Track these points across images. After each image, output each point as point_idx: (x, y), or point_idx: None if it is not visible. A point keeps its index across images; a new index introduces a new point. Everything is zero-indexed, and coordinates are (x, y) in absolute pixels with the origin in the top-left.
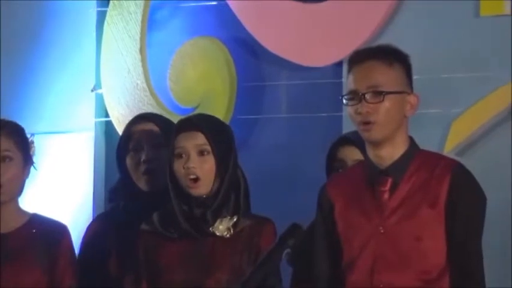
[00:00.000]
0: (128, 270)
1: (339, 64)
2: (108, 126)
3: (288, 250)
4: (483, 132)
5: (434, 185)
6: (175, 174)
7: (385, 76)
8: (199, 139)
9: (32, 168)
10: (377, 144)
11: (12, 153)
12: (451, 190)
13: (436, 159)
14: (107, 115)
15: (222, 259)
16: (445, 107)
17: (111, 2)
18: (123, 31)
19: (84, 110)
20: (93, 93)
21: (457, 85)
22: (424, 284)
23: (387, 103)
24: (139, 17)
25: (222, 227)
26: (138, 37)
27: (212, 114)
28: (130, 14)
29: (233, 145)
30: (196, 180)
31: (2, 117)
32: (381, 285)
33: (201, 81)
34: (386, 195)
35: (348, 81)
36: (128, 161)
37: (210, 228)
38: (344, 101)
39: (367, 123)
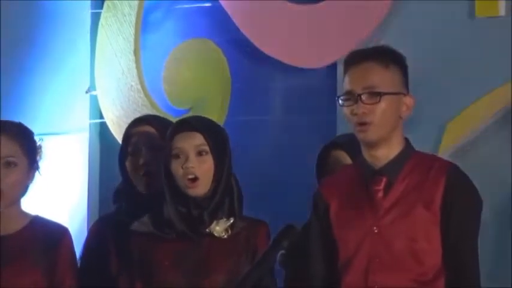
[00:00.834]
0: (123, 271)
1: (333, 66)
2: (103, 128)
3: (282, 251)
4: (478, 134)
5: (430, 186)
6: (173, 174)
7: (381, 77)
8: (197, 139)
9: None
10: (373, 144)
11: (17, 159)
12: (446, 191)
13: (431, 160)
14: (101, 116)
15: (219, 260)
16: (440, 108)
17: (105, 3)
18: (117, 33)
19: (78, 111)
20: (88, 94)
21: (452, 87)
22: (420, 285)
23: (383, 104)
24: (134, 19)
25: (219, 228)
26: (132, 39)
27: (207, 117)
28: (125, 15)
29: (229, 148)
30: (194, 180)
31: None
32: (376, 286)
33: (195, 82)
34: (380, 194)
35: (344, 82)
36: (127, 164)
37: (207, 229)
38: (340, 101)
39: (363, 124)
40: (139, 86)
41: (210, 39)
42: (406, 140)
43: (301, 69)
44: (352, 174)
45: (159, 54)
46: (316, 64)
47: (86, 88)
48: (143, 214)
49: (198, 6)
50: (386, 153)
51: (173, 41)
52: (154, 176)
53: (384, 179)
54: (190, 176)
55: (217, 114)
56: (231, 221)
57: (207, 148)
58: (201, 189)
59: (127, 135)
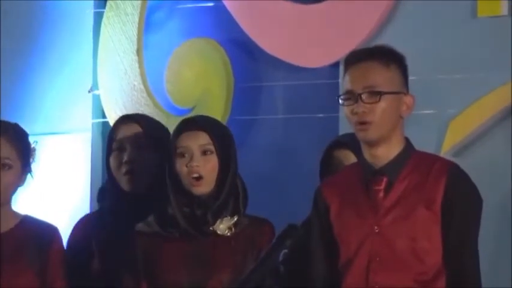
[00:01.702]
0: (126, 271)
1: (336, 65)
2: (105, 127)
3: (285, 250)
4: (480, 133)
5: (430, 185)
6: (177, 173)
7: (382, 76)
8: (203, 139)
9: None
10: (373, 144)
11: (12, 161)
12: (447, 191)
13: (431, 160)
14: (104, 116)
15: (224, 259)
16: (442, 107)
17: (108, 3)
18: (120, 32)
19: (81, 111)
20: (90, 94)
21: (454, 86)
22: (420, 285)
23: (383, 103)
24: (136, 18)
25: (222, 226)
26: (135, 38)
27: (212, 116)
28: (127, 15)
29: (234, 148)
30: (199, 178)
31: (2, 119)
32: (377, 286)
33: (198, 82)
34: (381, 194)
35: (344, 82)
36: (111, 160)
37: (211, 228)
38: (340, 101)
39: (363, 123)
40: (142, 86)
41: (212, 39)
42: (407, 139)
43: (304, 69)
44: (352, 174)
45: (162, 53)
46: (319, 63)
47: (89, 87)
48: (126, 212)
49: (201, 6)
50: (386, 153)
51: (176, 40)
52: (137, 174)
53: (385, 179)
54: (194, 175)
55: (220, 114)
56: (235, 219)
57: (212, 147)
58: (205, 188)
59: (113, 132)
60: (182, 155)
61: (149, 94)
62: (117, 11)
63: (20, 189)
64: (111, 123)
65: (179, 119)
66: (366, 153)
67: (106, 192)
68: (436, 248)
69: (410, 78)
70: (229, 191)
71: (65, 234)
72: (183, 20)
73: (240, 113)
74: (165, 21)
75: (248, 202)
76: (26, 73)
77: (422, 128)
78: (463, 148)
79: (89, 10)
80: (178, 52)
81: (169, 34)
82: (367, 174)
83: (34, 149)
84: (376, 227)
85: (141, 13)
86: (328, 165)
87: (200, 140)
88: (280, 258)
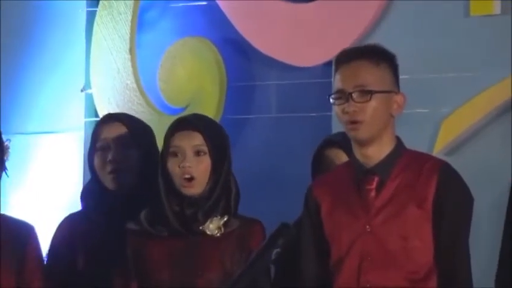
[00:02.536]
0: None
1: (329, 64)
2: None
3: (277, 250)
4: (473, 132)
5: (422, 184)
6: (169, 173)
7: (372, 75)
8: (196, 139)
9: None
10: (364, 143)
11: None
12: (438, 190)
13: (422, 159)
14: (96, 115)
15: (213, 259)
16: (435, 106)
17: (100, 2)
18: (112, 31)
19: (74, 110)
20: (83, 93)
21: (447, 85)
22: (412, 284)
23: (374, 102)
24: (129, 17)
25: (212, 226)
26: (127, 37)
27: (207, 115)
28: (120, 14)
29: (228, 149)
30: (190, 179)
31: None
32: (368, 285)
33: (191, 81)
34: (372, 194)
35: (335, 81)
36: (95, 159)
37: (200, 227)
38: (331, 100)
39: (354, 122)
40: (134, 85)
41: (205, 38)
42: (398, 138)
43: (297, 68)
44: (344, 174)
45: (155, 52)
46: (312, 62)
47: (81, 86)
48: (110, 211)
49: (193, 5)
50: (377, 152)
51: (169, 39)
52: (121, 173)
53: (376, 179)
54: (186, 176)
55: (213, 113)
56: (225, 219)
57: (205, 148)
58: (196, 189)
59: (97, 132)
60: (175, 155)
61: (142, 93)
62: (110, 10)
63: (13, 188)
64: None
65: (172, 118)
66: (357, 153)
67: (90, 192)
68: (428, 247)
69: (403, 77)
70: (221, 192)
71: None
72: (176, 18)
73: (233, 112)
74: (157, 20)
75: (239, 203)
76: (19, 72)
77: (415, 127)
78: (456, 147)
79: (82, 9)
80: (171, 51)
81: (162, 33)
82: (359, 173)
83: (8, 147)
84: (367, 226)
85: (133, 12)
86: (320, 164)
87: (193, 140)
88: (273, 257)
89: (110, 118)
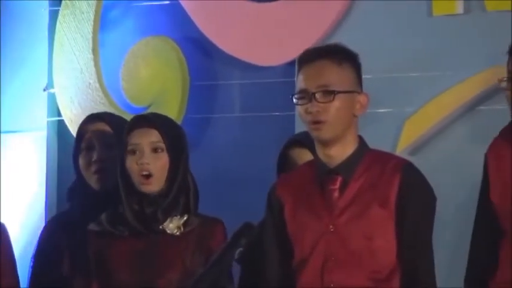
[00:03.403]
0: (79, 270)
1: (292, 63)
2: (61, 126)
3: (240, 249)
4: (436, 131)
5: (385, 184)
6: (128, 170)
7: (335, 75)
8: (153, 136)
9: None
10: (327, 143)
11: None
12: (401, 189)
13: (385, 158)
14: (59, 115)
15: (173, 258)
16: (398, 106)
17: (63, 1)
18: (75, 31)
19: (36, 109)
20: (46, 92)
21: (410, 84)
22: (375, 284)
23: (337, 102)
24: (92, 17)
25: (172, 225)
26: (90, 36)
27: (165, 114)
28: (83, 13)
29: (186, 146)
30: (148, 176)
31: None
32: (332, 285)
33: (154, 80)
34: (336, 194)
35: (298, 81)
36: (80, 160)
37: (160, 227)
38: (294, 100)
39: (317, 122)
40: (97, 84)
41: (168, 37)
42: (360, 138)
43: (260, 67)
44: (307, 173)
45: (118, 52)
46: (275, 62)
47: (44, 86)
48: (95, 212)
49: (156, 4)
50: (341, 152)
51: (132, 38)
52: (106, 173)
53: (339, 179)
54: (144, 173)
55: (176, 112)
56: (185, 218)
57: (162, 145)
58: (154, 186)
59: (81, 132)
60: (133, 152)
61: (105, 92)
62: (73, 9)
63: None
64: (67, 121)
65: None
66: (320, 153)
67: (74, 192)
68: (391, 246)
69: (367, 76)
70: (180, 189)
71: (19, 232)
72: (139, 18)
73: (196, 112)
74: (120, 19)
75: (198, 201)
76: None
77: (379, 127)
78: (419, 146)
79: (44, 9)
80: (134, 50)
81: (125, 32)
82: (322, 173)
83: None
84: (331, 227)
85: (96, 11)
86: (285, 163)
87: (151, 137)
88: (236, 256)
89: (94, 118)
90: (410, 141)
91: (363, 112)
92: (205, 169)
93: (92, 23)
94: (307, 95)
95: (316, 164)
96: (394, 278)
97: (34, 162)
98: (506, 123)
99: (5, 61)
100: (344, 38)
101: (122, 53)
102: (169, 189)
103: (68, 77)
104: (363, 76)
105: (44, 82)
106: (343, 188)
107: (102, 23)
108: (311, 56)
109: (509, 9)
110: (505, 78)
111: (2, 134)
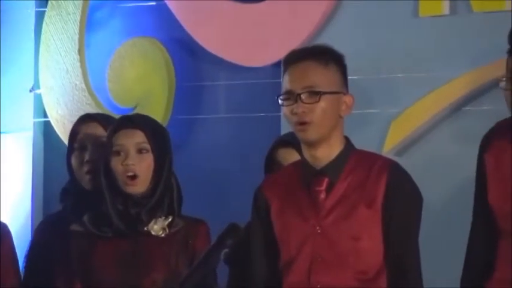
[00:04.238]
0: (62, 271)
1: (278, 64)
2: (47, 127)
3: (226, 250)
4: (422, 132)
5: (371, 184)
6: (112, 171)
7: (321, 76)
8: (138, 137)
9: None
10: (313, 144)
11: None
12: (387, 190)
13: (372, 159)
14: (45, 115)
15: (157, 259)
16: (384, 107)
17: (49, 2)
18: (61, 31)
19: (22, 110)
20: (32, 93)
21: (396, 85)
22: (361, 284)
23: (323, 103)
24: (78, 18)
25: (157, 227)
26: (76, 37)
27: (150, 116)
28: (69, 14)
29: (170, 148)
30: (133, 177)
31: None
32: (318, 286)
33: (140, 81)
34: (322, 195)
35: (284, 81)
36: (73, 160)
37: (145, 228)
38: (280, 101)
39: (302, 123)
40: (83, 85)
41: (154, 38)
42: (346, 138)
43: (246, 68)
44: (293, 174)
45: (104, 52)
46: (261, 63)
47: (30, 87)
48: (87, 212)
49: (142, 5)
50: (327, 153)
51: (118, 39)
52: (99, 173)
53: (326, 180)
54: (129, 174)
55: (162, 113)
56: (169, 219)
57: (147, 146)
58: (139, 187)
59: (74, 132)
60: (118, 153)
61: (91, 93)
62: (59, 10)
63: None
64: (53, 122)
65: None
66: (306, 154)
67: (68, 192)
68: (378, 247)
69: (353, 77)
70: (164, 190)
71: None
72: (125, 19)
73: (181, 112)
74: (106, 20)
75: (182, 202)
76: None
77: (365, 128)
78: (405, 147)
79: (31, 9)
80: (120, 51)
81: (111, 33)
82: (308, 175)
83: None
84: (318, 227)
85: (82, 12)
86: (273, 164)
87: (136, 138)
88: (222, 257)
89: (87, 118)
90: (397, 142)
91: (349, 113)
92: (191, 170)
93: (78, 24)
94: (292, 96)
95: (303, 164)
96: (381, 278)
97: (20, 163)
98: (492, 124)
99: None
100: (329, 39)
101: (108, 53)
102: (154, 190)
103: (54, 77)
104: (349, 77)
105: (31, 83)
106: (329, 189)
107: (88, 23)
108: (297, 57)
109: (496, 10)
110: (504, 78)
111: None
